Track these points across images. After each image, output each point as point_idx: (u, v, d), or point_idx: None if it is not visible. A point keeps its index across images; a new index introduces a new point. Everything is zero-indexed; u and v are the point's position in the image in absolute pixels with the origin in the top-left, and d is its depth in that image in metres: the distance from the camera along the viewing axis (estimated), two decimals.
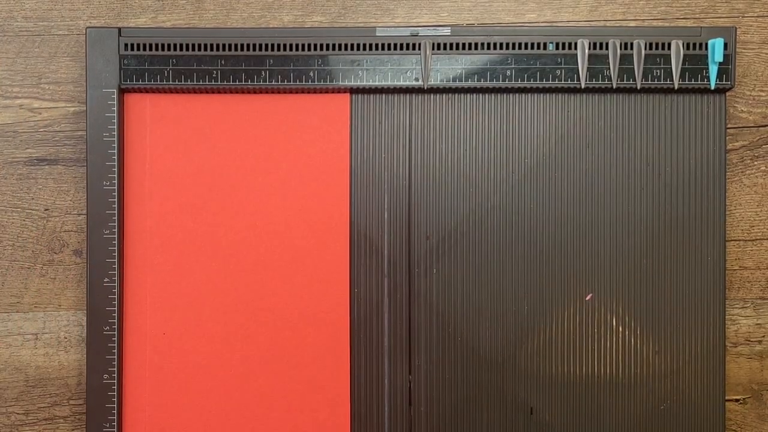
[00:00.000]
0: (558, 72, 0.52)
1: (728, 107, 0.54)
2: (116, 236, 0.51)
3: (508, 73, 0.52)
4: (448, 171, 0.53)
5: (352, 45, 0.52)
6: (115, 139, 0.51)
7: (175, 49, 0.51)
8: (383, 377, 0.52)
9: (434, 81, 0.52)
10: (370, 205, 0.53)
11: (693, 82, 0.52)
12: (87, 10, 0.53)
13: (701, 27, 0.52)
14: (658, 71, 0.52)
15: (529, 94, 0.53)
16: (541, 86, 0.52)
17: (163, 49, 0.51)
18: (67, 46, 0.53)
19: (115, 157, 0.51)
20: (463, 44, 0.52)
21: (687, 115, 0.53)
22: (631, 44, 0.52)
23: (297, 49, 0.51)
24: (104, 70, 0.51)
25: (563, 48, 0.52)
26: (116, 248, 0.51)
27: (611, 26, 0.54)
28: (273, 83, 0.52)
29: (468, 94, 0.53)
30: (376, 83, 0.52)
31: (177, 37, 0.51)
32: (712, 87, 0.52)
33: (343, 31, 0.52)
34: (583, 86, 0.52)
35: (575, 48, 0.52)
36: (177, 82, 0.51)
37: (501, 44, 0.52)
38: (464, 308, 0.53)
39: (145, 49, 0.51)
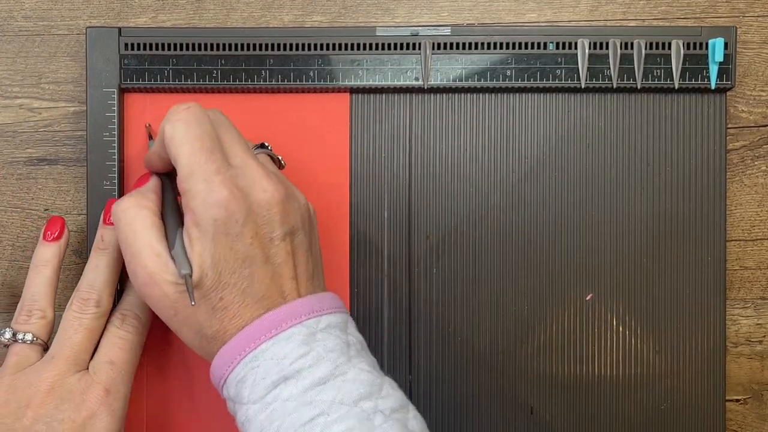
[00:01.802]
0: (558, 72, 0.52)
1: (729, 107, 0.54)
2: None
3: (509, 72, 0.52)
4: (448, 171, 0.53)
5: (352, 45, 0.52)
6: (115, 139, 0.51)
7: (175, 49, 0.51)
8: None
9: (434, 81, 0.52)
10: (370, 205, 0.53)
11: (693, 82, 0.52)
12: (87, 10, 0.53)
13: (702, 27, 0.52)
14: (659, 71, 0.52)
15: (529, 94, 0.53)
16: (541, 86, 0.52)
17: (163, 49, 0.51)
18: (67, 45, 0.53)
19: (115, 157, 0.51)
20: (463, 44, 0.52)
21: (687, 114, 0.53)
22: (632, 44, 0.52)
23: (297, 49, 0.51)
24: (104, 70, 0.51)
25: (563, 48, 0.52)
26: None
27: (611, 26, 0.54)
28: (273, 83, 0.51)
29: (468, 94, 0.53)
30: (376, 83, 0.52)
31: (177, 37, 0.51)
32: (713, 87, 0.52)
33: (343, 30, 0.52)
34: (583, 86, 0.52)
35: (575, 48, 0.52)
36: (177, 82, 0.51)
37: (501, 44, 0.52)
38: (464, 308, 0.53)
39: (145, 49, 0.51)
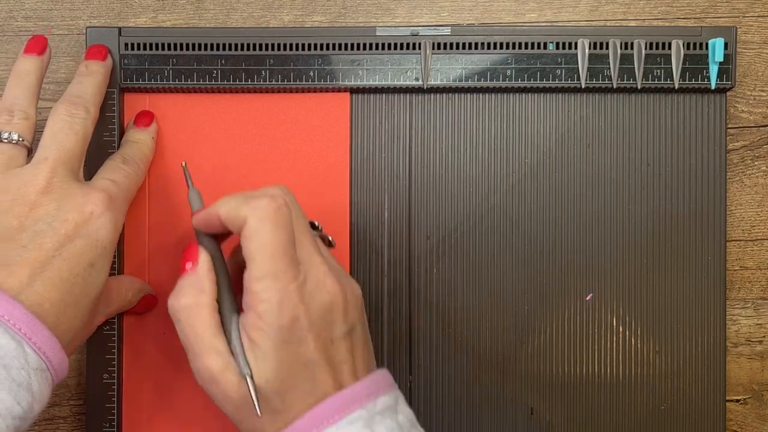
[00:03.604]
0: (558, 72, 0.52)
1: (729, 107, 0.54)
2: None
3: (509, 72, 0.52)
4: (448, 171, 0.53)
5: (352, 45, 0.52)
6: (115, 139, 0.51)
7: (175, 49, 0.51)
8: None
9: (434, 81, 0.52)
10: (370, 205, 0.53)
11: (693, 82, 0.52)
12: (87, 10, 0.53)
13: (702, 27, 0.52)
14: (659, 71, 0.52)
15: (529, 94, 0.53)
16: (541, 86, 0.52)
17: (163, 49, 0.51)
18: (67, 46, 0.53)
19: None
20: (463, 44, 0.52)
21: (687, 115, 0.53)
22: (632, 44, 0.52)
23: (297, 49, 0.51)
24: None
25: (563, 48, 0.52)
26: (116, 248, 0.50)
27: (611, 26, 0.54)
28: (273, 83, 0.51)
29: (468, 94, 0.53)
30: (376, 83, 0.52)
31: (177, 37, 0.51)
32: (713, 87, 0.52)
33: (343, 30, 0.52)
34: (583, 86, 0.52)
35: (575, 48, 0.52)
36: (177, 82, 0.51)
37: (501, 44, 0.52)
38: (464, 308, 0.53)
39: (145, 49, 0.51)
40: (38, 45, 0.47)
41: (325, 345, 0.42)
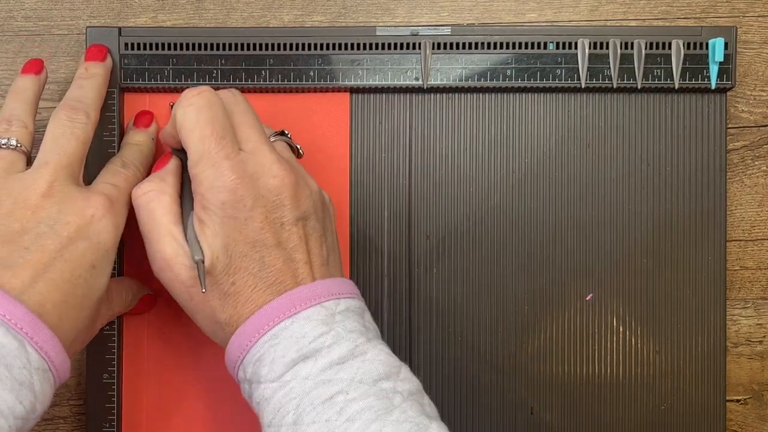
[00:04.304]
0: (558, 71, 0.52)
1: (729, 107, 0.54)
2: None
3: (509, 72, 0.52)
4: (448, 171, 0.53)
5: (352, 44, 0.52)
6: (116, 139, 0.51)
7: (175, 49, 0.51)
8: None
9: (434, 81, 0.52)
10: (370, 205, 0.53)
11: (693, 82, 0.52)
12: (87, 10, 0.53)
13: (702, 27, 0.52)
14: (659, 71, 0.52)
15: (529, 94, 0.53)
16: (541, 86, 0.52)
17: (163, 49, 0.51)
18: (67, 45, 0.53)
19: None
20: (464, 44, 0.52)
21: (687, 114, 0.53)
22: (632, 44, 0.52)
23: (297, 49, 0.51)
24: None
25: (564, 48, 0.52)
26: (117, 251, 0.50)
27: (612, 26, 0.54)
28: (273, 83, 0.52)
29: (468, 94, 0.53)
30: (376, 83, 0.52)
31: (177, 37, 0.51)
32: (713, 87, 0.52)
33: (343, 30, 0.52)
34: (583, 86, 0.52)
35: (575, 48, 0.52)
36: (177, 82, 0.51)
37: (501, 44, 0.52)
38: (464, 308, 0.53)
39: (145, 49, 0.51)
40: (35, 66, 0.48)
41: (274, 227, 0.43)
